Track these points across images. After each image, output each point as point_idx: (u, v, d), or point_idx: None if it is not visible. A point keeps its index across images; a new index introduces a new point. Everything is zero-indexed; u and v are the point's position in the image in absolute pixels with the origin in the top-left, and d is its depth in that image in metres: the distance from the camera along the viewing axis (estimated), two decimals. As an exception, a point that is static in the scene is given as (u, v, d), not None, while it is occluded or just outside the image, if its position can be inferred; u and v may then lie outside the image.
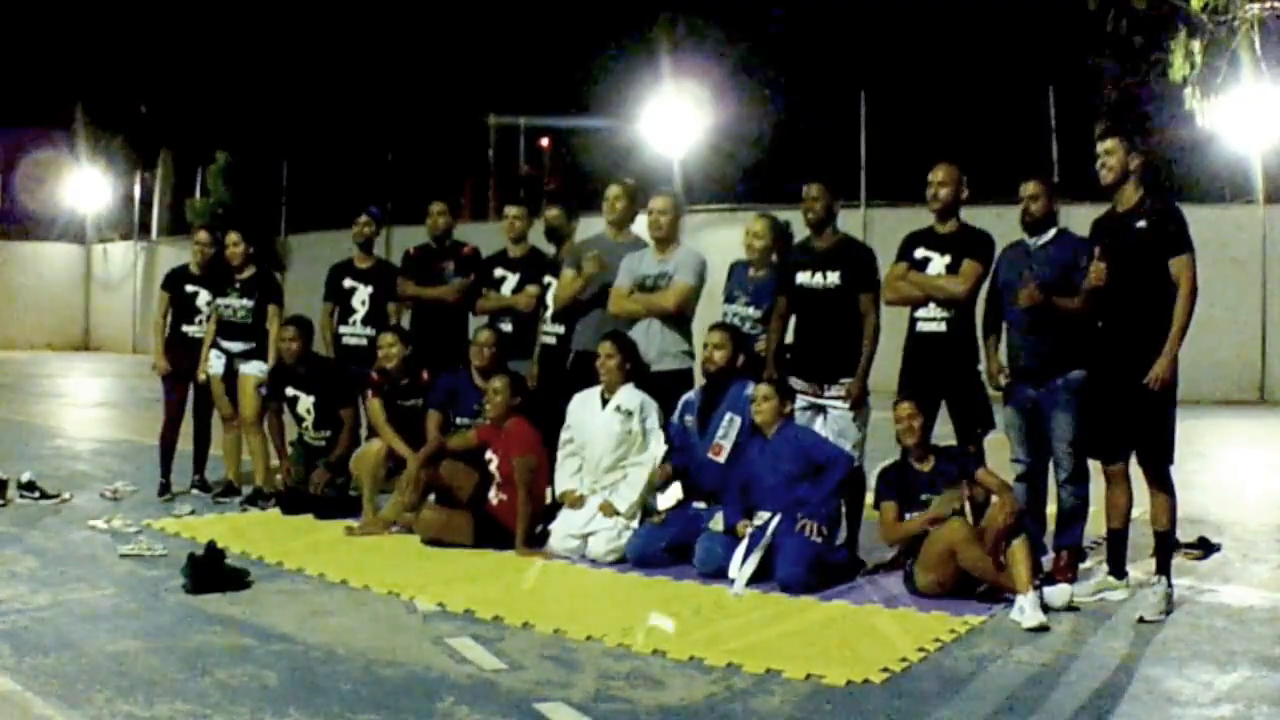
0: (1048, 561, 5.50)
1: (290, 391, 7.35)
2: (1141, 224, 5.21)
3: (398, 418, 6.98)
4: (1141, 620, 4.85)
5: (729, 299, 6.38)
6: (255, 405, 7.59)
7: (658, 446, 6.19)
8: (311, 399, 7.29)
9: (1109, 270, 5.23)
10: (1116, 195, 5.30)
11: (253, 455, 7.68)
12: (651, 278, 6.42)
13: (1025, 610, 4.87)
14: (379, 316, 7.68)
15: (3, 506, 7.20)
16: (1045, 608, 4.94)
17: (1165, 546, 5.21)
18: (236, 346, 7.72)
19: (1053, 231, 5.64)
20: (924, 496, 5.48)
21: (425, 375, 7.11)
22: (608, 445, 6.20)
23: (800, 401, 5.97)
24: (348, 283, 7.82)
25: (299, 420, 7.38)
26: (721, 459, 6.04)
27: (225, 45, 26.92)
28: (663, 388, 6.30)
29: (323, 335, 7.93)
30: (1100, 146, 5.28)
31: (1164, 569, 5.15)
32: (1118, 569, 5.36)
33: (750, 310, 6.30)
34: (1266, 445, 11.58)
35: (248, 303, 7.74)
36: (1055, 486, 5.69)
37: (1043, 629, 4.77)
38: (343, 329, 7.80)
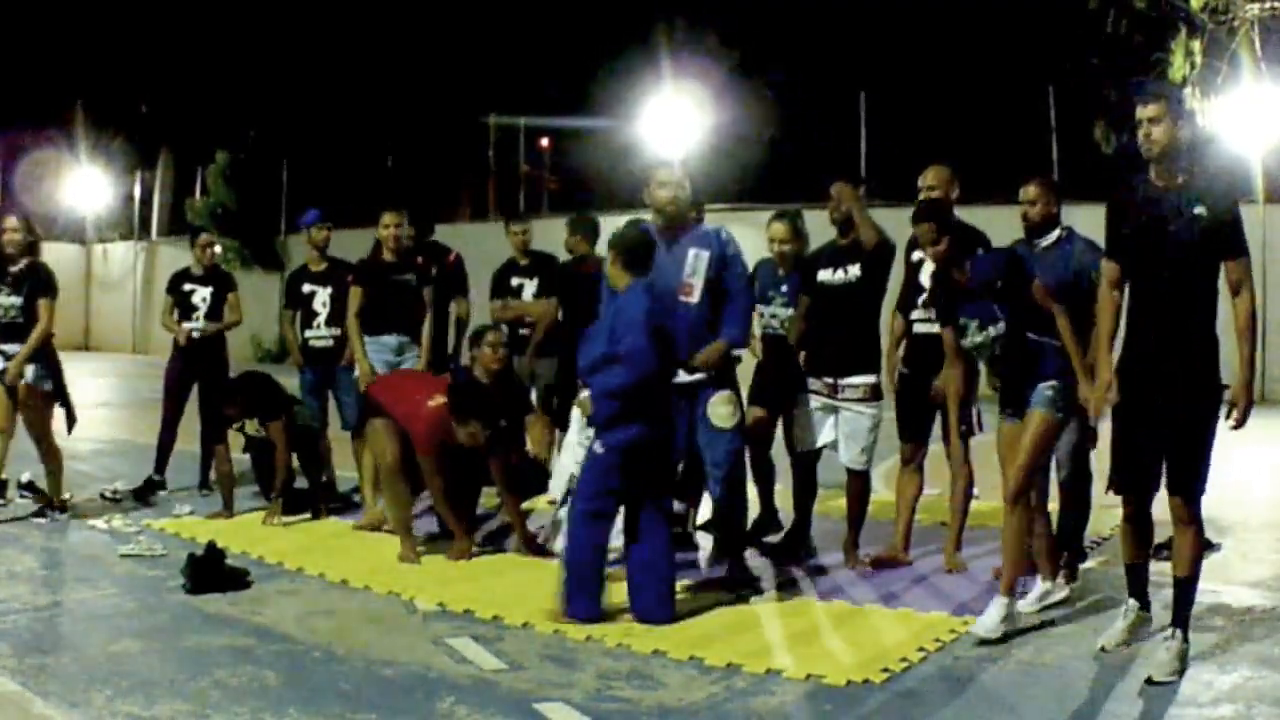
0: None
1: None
2: (1200, 210, 4.30)
3: (388, 292, 7.07)
4: (1150, 682, 4.16)
5: (763, 299, 6.32)
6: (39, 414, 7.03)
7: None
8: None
9: (1138, 262, 4.44)
10: (1157, 169, 4.40)
11: None
12: None
13: (990, 614, 4.68)
14: (341, 316, 7.54)
15: (3, 506, 7.20)
16: (1010, 619, 4.71)
17: (1187, 596, 4.44)
18: (11, 348, 6.96)
19: (1056, 233, 5.46)
20: (962, 321, 5.16)
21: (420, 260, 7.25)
22: None
23: (814, 402, 5.92)
24: (306, 288, 7.83)
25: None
26: (694, 299, 5.64)
27: (225, 45, 26.91)
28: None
29: (288, 340, 8.08)
30: (1144, 111, 4.36)
31: (1181, 622, 4.37)
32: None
33: (787, 310, 6.26)
34: (1266, 445, 11.56)
35: (17, 300, 7.04)
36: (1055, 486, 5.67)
37: (991, 642, 4.58)
38: (308, 333, 7.80)
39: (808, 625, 4.93)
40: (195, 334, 8.00)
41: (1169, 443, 4.35)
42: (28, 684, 3.98)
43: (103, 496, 7.64)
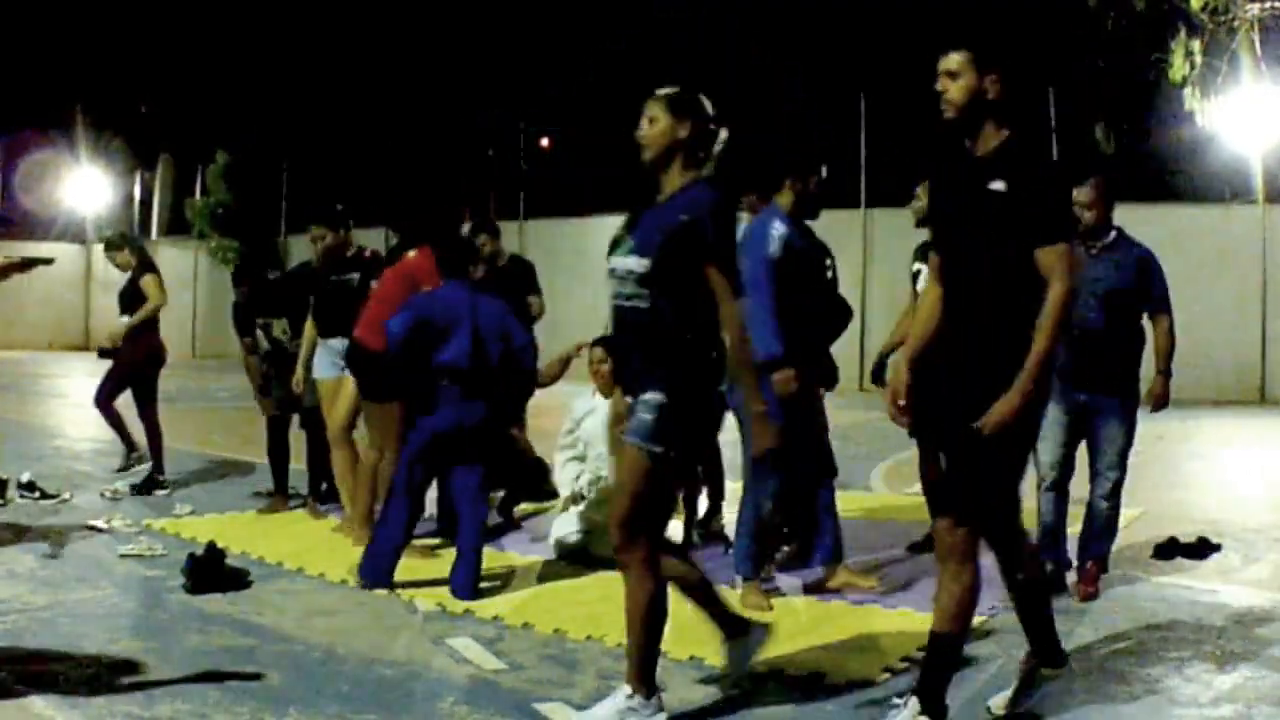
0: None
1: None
2: (998, 185, 3.56)
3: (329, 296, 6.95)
4: None
5: None
6: None
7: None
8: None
9: (951, 244, 3.76)
10: (972, 139, 3.71)
11: None
12: None
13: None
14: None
15: (3, 506, 7.20)
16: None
17: (937, 656, 3.70)
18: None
19: (1113, 234, 5.37)
20: None
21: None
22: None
23: None
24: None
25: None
26: None
27: (225, 46, 26.92)
28: None
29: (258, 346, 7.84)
30: (942, 64, 3.73)
31: (923, 692, 3.62)
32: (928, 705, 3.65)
33: None
34: (1266, 445, 11.58)
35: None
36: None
37: None
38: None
39: (808, 625, 4.92)
40: (107, 344, 8.06)
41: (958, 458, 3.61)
42: (28, 684, 3.97)
43: (103, 496, 7.64)
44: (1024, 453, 3.66)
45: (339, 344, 6.73)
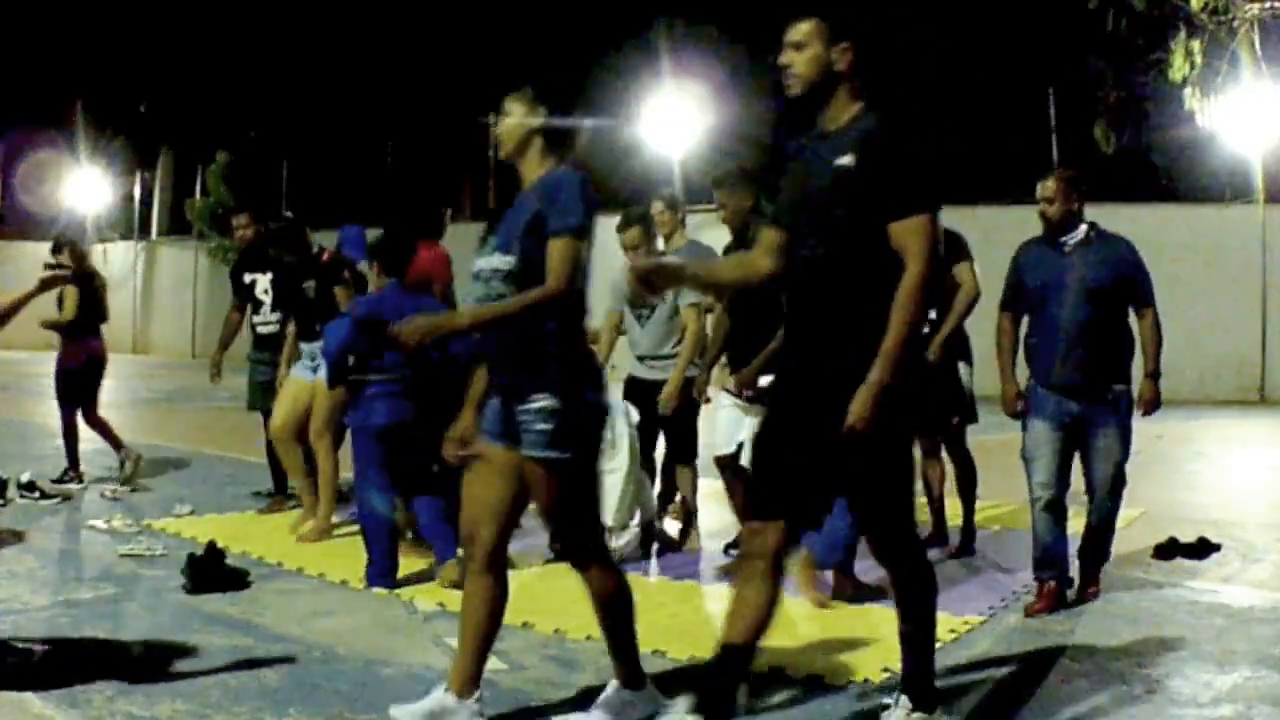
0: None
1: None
2: (845, 160, 3.34)
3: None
4: None
5: None
6: None
7: (626, 453, 5.98)
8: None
9: (796, 225, 3.47)
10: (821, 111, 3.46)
11: None
12: None
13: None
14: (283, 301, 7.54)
15: (3, 506, 7.20)
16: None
17: (718, 662, 3.39)
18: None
19: (1084, 228, 5.11)
20: None
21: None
22: None
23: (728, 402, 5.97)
24: (247, 277, 7.75)
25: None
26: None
27: (224, 45, 26.92)
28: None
29: (231, 334, 8.00)
30: (788, 36, 3.43)
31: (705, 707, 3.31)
32: None
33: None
34: (1266, 445, 11.58)
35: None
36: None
37: None
38: (255, 319, 7.72)
39: (808, 625, 4.92)
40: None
41: (806, 462, 3.33)
42: (28, 684, 3.97)
43: (102, 496, 7.64)
44: (904, 464, 3.46)
45: (310, 346, 6.77)
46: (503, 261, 3.58)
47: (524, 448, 3.53)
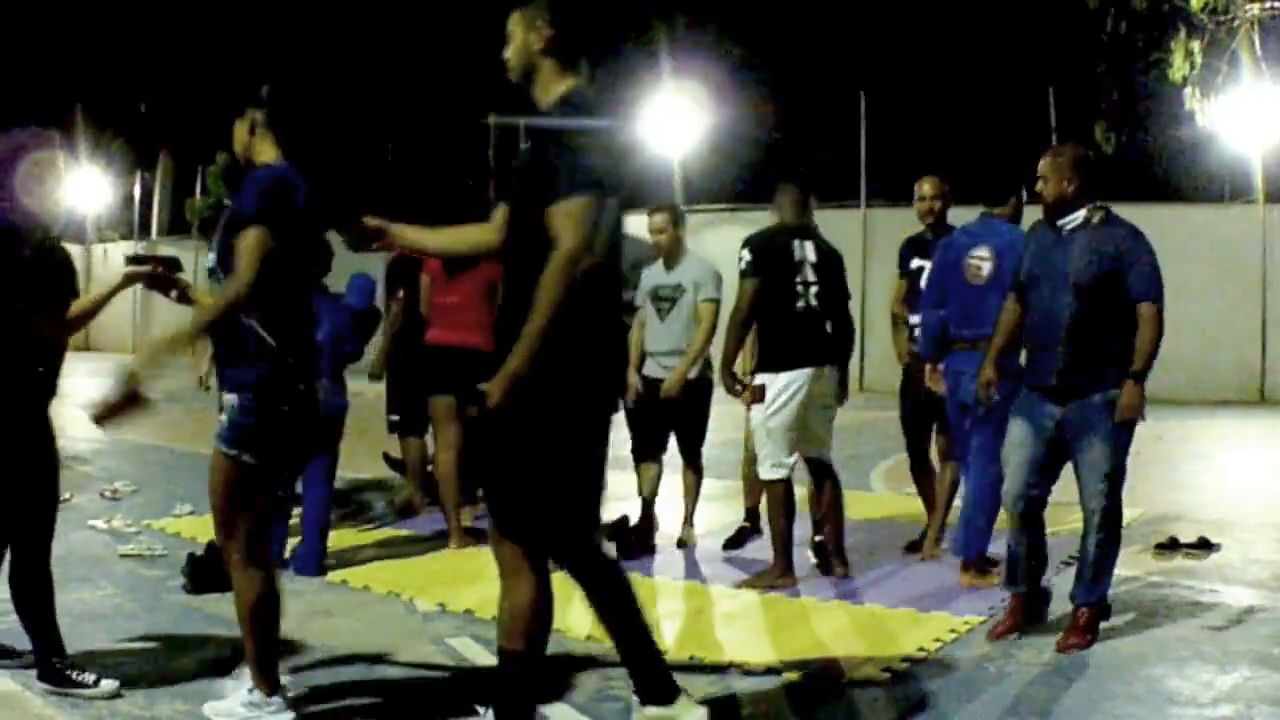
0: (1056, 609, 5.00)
1: None
2: (525, 144, 3.45)
3: None
4: None
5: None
6: None
7: None
8: None
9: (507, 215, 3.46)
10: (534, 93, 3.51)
11: None
12: (667, 288, 6.40)
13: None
14: None
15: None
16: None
17: (500, 668, 3.48)
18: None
19: (1083, 213, 4.65)
20: None
21: None
22: None
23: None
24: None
25: None
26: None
27: (225, 45, 26.92)
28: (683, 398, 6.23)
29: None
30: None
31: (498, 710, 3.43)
32: None
33: None
34: (1266, 445, 11.58)
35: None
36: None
37: None
38: None
39: (808, 625, 4.92)
40: None
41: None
42: (28, 684, 3.98)
43: (102, 496, 7.64)
44: (557, 463, 3.26)
45: None
46: (211, 259, 3.63)
47: (214, 435, 3.59)
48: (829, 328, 5.66)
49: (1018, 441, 4.70)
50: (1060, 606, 4.85)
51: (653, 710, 3.49)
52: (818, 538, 5.88)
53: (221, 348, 3.62)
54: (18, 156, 3.98)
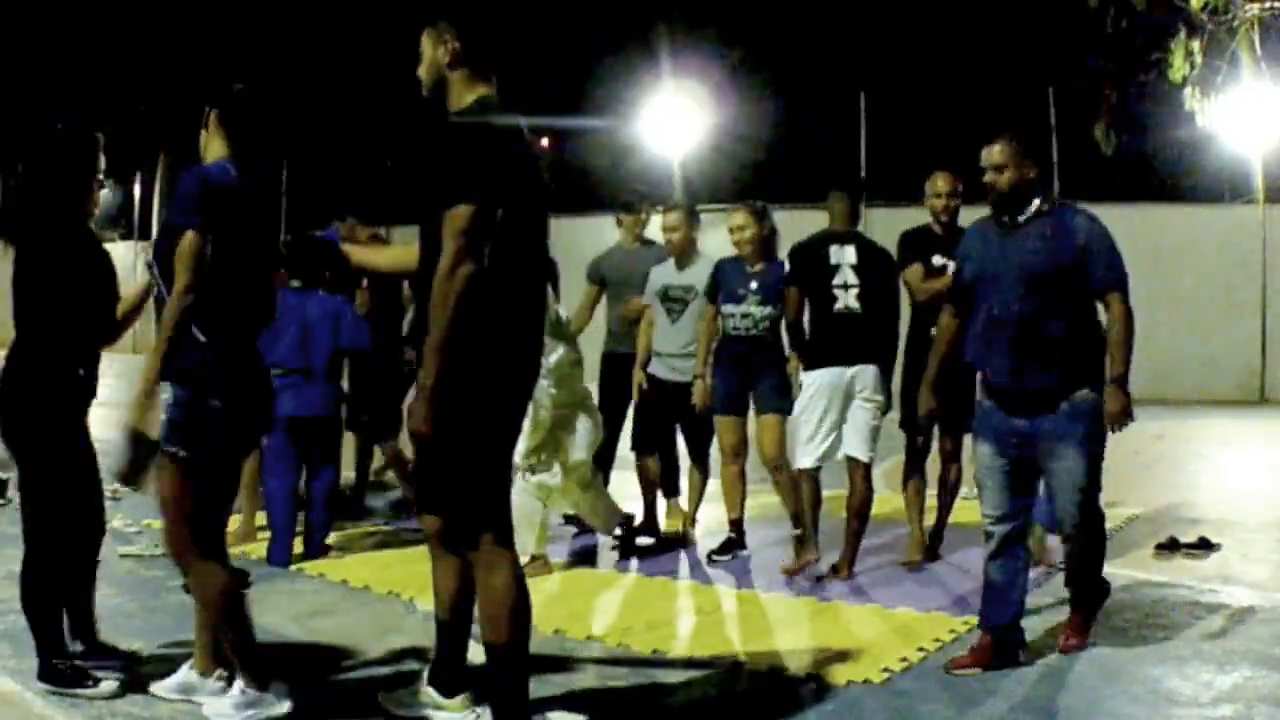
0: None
1: None
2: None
3: None
4: None
5: (733, 299, 5.98)
6: None
7: (585, 451, 5.87)
8: None
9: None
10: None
11: None
12: (678, 289, 6.39)
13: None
14: None
15: (3, 506, 7.19)
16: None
17: (490, 664, 3.56)
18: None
19: (1036, 202, 4.31)
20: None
21: None
22: None
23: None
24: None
25: None
26: None
27: (224, 45, 26.92)
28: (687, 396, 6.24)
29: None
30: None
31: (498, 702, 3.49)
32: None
33: (764, 309, 5.94)
34: (1266, 445, 11.58)
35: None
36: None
37: None
38: None
39: (808, 625, 4.93)
40: None
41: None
42: (28, 684, 3.97)
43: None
44: (482, 456, 3.36)
45: None
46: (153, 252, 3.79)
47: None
48: (870, 328, 5.72)
49: (988, 464, 4.37)
50: (1059, 607, 4.85)
51: (433, 693, 3.68)
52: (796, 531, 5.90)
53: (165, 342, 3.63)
54: (71, 159, 4.05)
